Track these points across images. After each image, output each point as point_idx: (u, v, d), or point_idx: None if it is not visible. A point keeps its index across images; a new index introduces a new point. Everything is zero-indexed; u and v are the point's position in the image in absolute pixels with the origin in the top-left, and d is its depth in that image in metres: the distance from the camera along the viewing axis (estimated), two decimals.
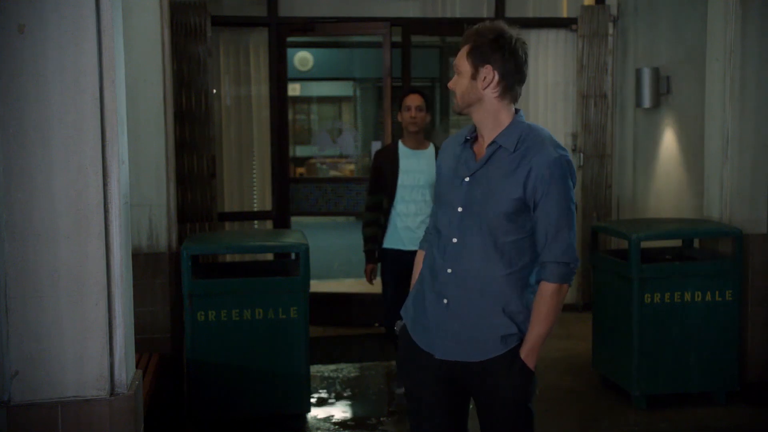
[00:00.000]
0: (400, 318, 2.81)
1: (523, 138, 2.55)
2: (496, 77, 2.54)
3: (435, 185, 2.76)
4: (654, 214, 6.52)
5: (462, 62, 2.58)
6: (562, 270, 2.53)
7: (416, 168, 4.80)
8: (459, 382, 2.65)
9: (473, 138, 2.64)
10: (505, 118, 2.58)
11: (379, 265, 5.03)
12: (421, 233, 4.54)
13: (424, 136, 4.92)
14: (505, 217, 2.52)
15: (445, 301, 2.59)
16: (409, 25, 6.85)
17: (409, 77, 6.84)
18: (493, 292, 2.56)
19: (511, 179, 2.51)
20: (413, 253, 3.96)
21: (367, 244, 4.95)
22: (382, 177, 4.87)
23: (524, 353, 2.55)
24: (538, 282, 2.56)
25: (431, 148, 4.87)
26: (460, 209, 2.57)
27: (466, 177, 2.58)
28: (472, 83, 2.56)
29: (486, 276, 2.55)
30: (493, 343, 2.56)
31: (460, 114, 2.67)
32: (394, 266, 4.82)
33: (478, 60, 2.55)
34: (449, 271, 2.58)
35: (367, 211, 4.99)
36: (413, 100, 4.80)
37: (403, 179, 4.79)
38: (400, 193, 4.79)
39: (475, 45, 2.56)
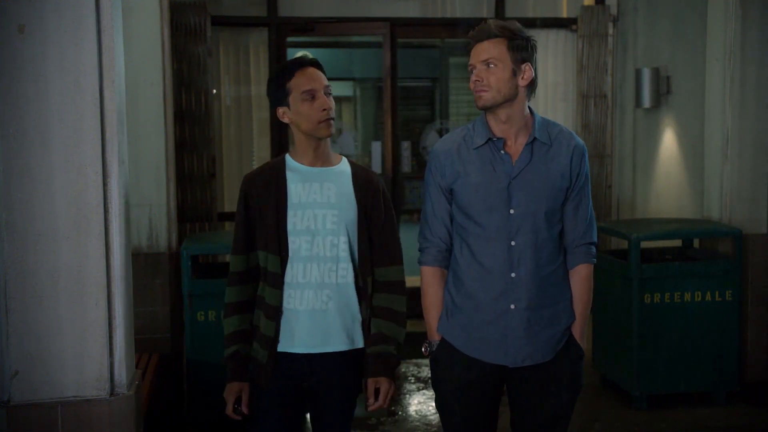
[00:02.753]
0: None
1: (550, 130, 2.62)
2: (533, 76, 2.58)
3: (459, 194, 2.59)
4: (654, 214, 6.52)
5: (502, 55, 2.52)
6: (594, 250, 2.70)
7: (320, 200, 2.66)
8: (502, 387, 2.68)
9: (496, 138, 2.58)
10: (529, 115, 2.62)
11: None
12: (335, 317, 2.64)
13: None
14: (554, 210, 2.59)
15: (513, 306, 2.56)
16: (397, 26, 6.84)
17: (396, 79, 6.83)
18: (556, 286, 2.63)
19: (558, 170, 2.58)
20: (315, 359, 2.63)
21: (232, 344, 2.67)
22: (255, 221, 2.68)
23: (578, 335, 2.66)
24: (573, 265, 2.66)
25: (344, 164, 2.75)
26: (512, 211, 2.55)
27: (511, 178, 2.55)
28: (512, 79, 2.53)
29: (548, 272, 2.60)
30: (561, 336, 2.63)
31: (483, 109, 2.55)
32: (286, 382, 2.65)
33: (519, 56, 2.54)
34: (513, 275, 2.56)
35: (232, 285, 2.70)
36: (316, 79, 2.65)
37: (295, 222, 2.64)
38: (294, 246, 2.64)
39: (514, 41, 2.54)
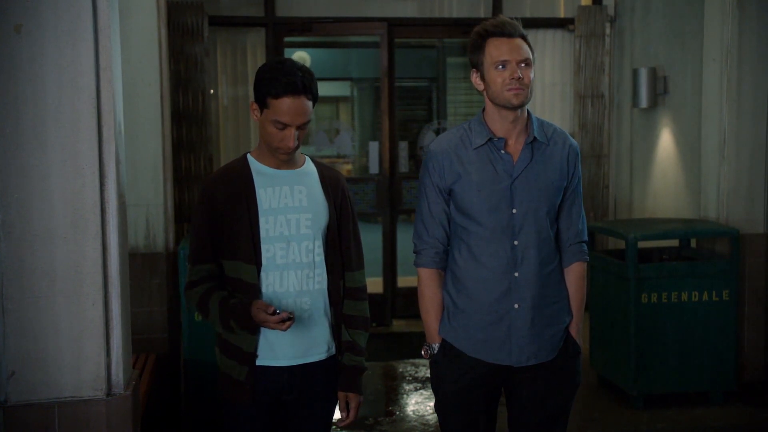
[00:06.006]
0: None
1: (546, 129, 2.63)
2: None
3: (459, 194, 2.57)
4: (651, 214, 6.52)
5: (531, 57, 2.54)
6: (586, 249, 2.69)
7: (292, 204, 2.55)
8: (501, 387, 2.68)
9: (496, 138, 2.57)
10: (526, 116, 2.62)
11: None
12: (315, 326, 2.56)
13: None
14: (553, 209, 2.60)
15: (517, 305, 2.56)
16: (394, 26, 6.82)
17: (394, 79, 6.83)
18: (556, 284, 2.63)
19: (556, 169, 2.59)
20: (296, 371, 2.53)
21: (226, 310, 2.49)
22: (220, 228, 2.53)
23: (574, 331, 2.66)
24: (568, 264, 2.66)
25: (309, 164, 2.64)
26: (514, 210, 2.55)
27: (513, 178, 2.55)
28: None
29: (549, 270, 2.60)
30: (562, 335, 2.63)
31: (514, 108, 2.52)
32: (266, 398, 2.54)
33: (534, 59, 2.58)
34: (516, 275, 2.56)
35: (196, 286, 2.55)
36: (296, 114, 2.46)
37: (268, 229, 2.52)
38: (268, 253, 2.52)
39: (528, 43, 2.56)
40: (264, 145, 2.55)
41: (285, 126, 2.46)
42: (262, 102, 2.49)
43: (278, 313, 2.37)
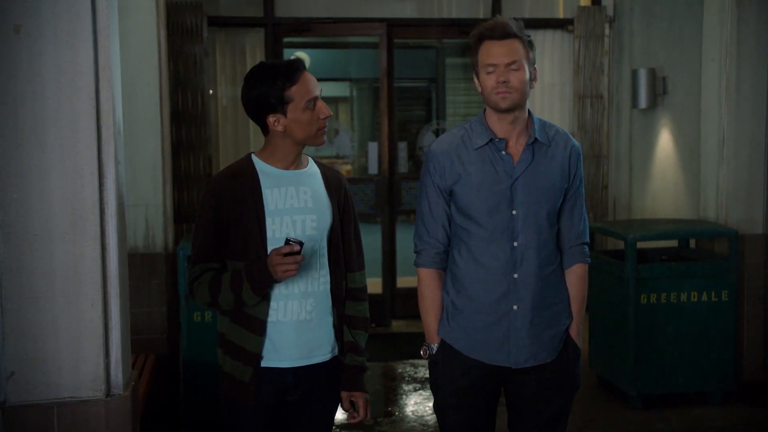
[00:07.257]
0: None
1: (547, 130, 2.62)
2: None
3: (459, 195, 2.57)
4: (650, 214, 6.53)
5: (523, 56, 2.51)
6: (587, 250, 2.70)
7: (297, 205, 2.52)
8: (501, 388, 2.68)
9: (497, 139, 2.57)
10: (528, 116, 2.61)
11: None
12: (319, 327, 2.54)
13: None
14: (554, 210, 2.59)
15: (516, 307, 2.56)
16: (394, 27, 6.82)
17: (393, 79, 6.83)
18: (556, 286, 2.63)
19: (557, 170, 2.59)
20: (301, 372, 2.52)
21: (246, 275, 2.43)
22: (225, 228, 2.49)
23: (574, 333, 2.65)
24: (569, 265, 2.67)
25: (312, 165, 2.62)
26: (514, 212, 2.55)
27: (513, 179, 2.55)
28: (528, 81, 2.53)
29: (549, 272, 2.60)
30: (562, 336, 2.63)
31: (505, 111, 2.52)
32: (269, 399, 2.52)
33: (532, 60, 2.55)
34: (516, 276, 2.55)
35: (198, 278, 2.49)
36: (316, 85, 2.54)
37: (274, 230, 2.49)
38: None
39: (527, 43, 2.55)
40: (291, 144, 2.52)
41: (315, 101, 2.50)
42: (280, 103, 2.46)
43: (290, 244, 2.34)
